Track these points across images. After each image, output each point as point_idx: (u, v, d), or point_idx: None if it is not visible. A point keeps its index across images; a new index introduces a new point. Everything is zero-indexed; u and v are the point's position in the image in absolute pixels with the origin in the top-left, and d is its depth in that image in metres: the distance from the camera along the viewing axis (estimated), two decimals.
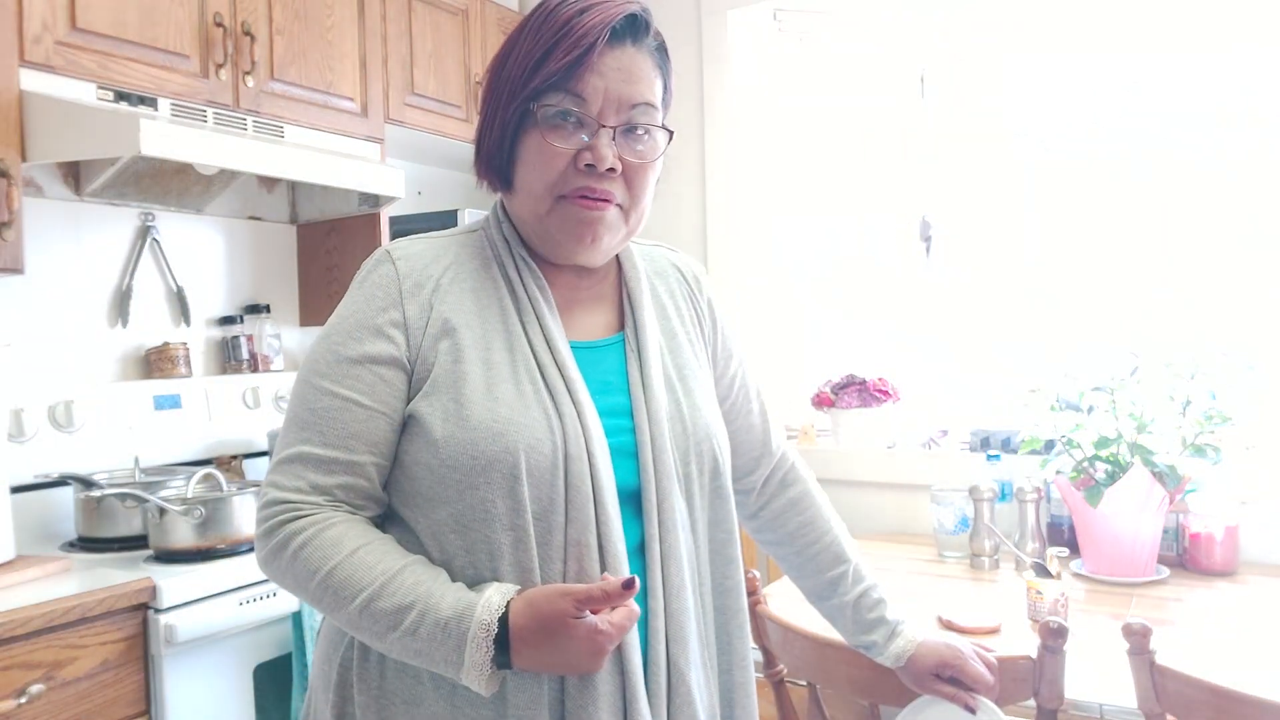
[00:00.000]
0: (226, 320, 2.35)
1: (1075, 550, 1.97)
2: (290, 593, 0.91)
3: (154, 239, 2.20)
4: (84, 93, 1.76)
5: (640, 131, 0.96)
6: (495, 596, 0.82)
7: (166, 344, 2.18)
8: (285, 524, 0.88)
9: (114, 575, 1.58)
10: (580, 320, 1.00)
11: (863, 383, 2.55)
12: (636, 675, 0.87)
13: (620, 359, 0.99)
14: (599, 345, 0.99)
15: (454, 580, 0.86)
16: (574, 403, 0.90)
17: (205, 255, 2.33)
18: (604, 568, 0.87)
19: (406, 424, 0.91)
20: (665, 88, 1.00)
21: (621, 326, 1.02)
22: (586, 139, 0.91)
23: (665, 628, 0.90)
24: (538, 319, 0.95)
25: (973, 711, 1.07)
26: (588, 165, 0.91)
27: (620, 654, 0.86)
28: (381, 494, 0.93)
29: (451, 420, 0.87)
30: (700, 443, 0.97)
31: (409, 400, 0.91)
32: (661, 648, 0.90)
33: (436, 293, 0.93)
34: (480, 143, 0.98)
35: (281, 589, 1.26)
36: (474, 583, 0.86)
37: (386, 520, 0.94)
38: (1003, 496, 2.10)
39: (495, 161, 0.96)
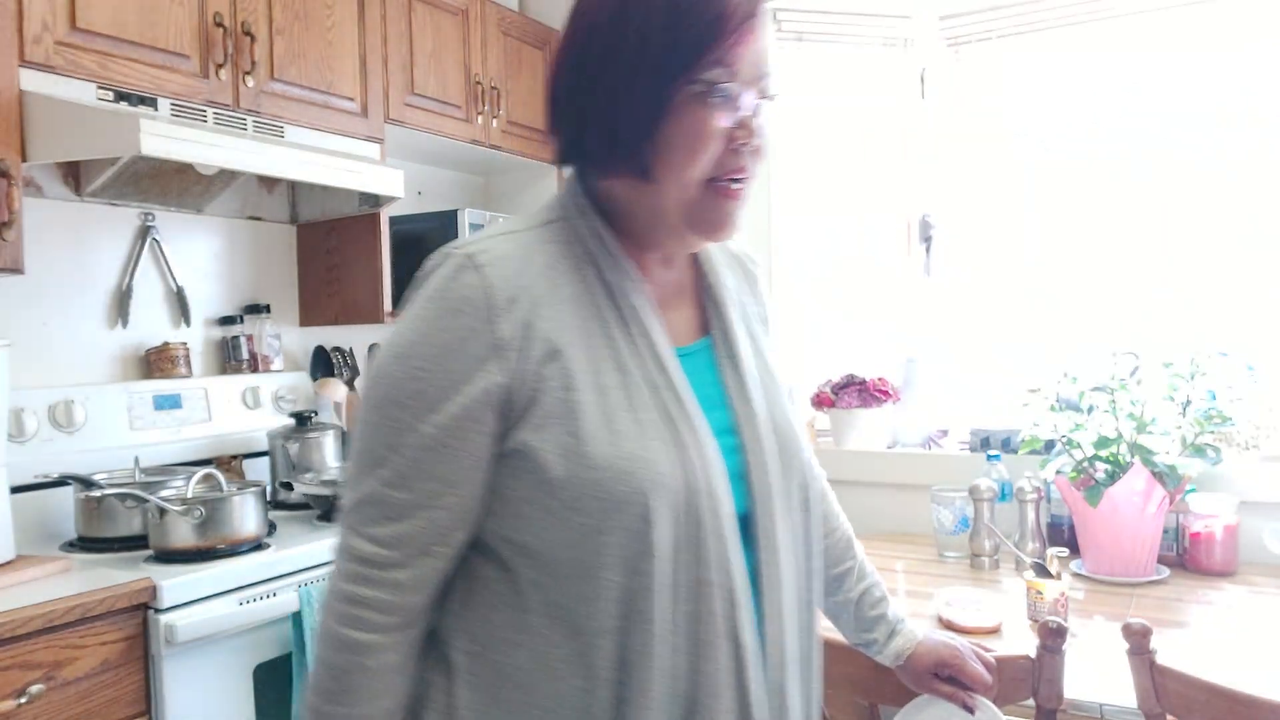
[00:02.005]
0: (226, 320, 2.35)
1: (1075, 550, 1.97)
2: (319, 649, 0.83)
3: (154, 239, 2.20)
4: (84, 93, 1.76)
5: (766, 102, 0.84)
6: None
7: (166, 344, 2.18)
8: (367, 622, 0.80)
9: (114, 575, 1.58)
10: (669, 321, 0.88)
11: (863, 383, 2.55)
12: (762, 708, 0.82)
13: (711, 366, 0.90)
14: (691, 352, 0.89)
15: (554, 622, 0.79)
16: (692, 429, 0.82)
17: (205, 255, 2.33)
18: (727, 605, 0.80)
19: (508, 457, 0.80)
20: None
21: (704, 326, 0.93)
22: (738, 115, 0.81)
23: (778, 653, 0.85)
24: (645, 332, 0.84)
25: (971, 711, 1.07)
26: (742, 144, 0.81)
27: (740, 682, 0.81)
28: (463, 532, 0.82)
29: (572, 459, 0.77)
30: (793, 457, 0.90)
31: (508, 431, 0.79)
32: (776, 674, 0.84)
33: (534, 307, 0.80)
34: (591, 128, 0.84)
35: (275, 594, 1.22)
36: (579, 630, 0.79)
37: (473, 551, 0.84)
38: (1003, 496, 2.10)
39: (628, 147, 0.81)
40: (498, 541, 0.82)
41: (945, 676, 1.09)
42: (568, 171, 0.91)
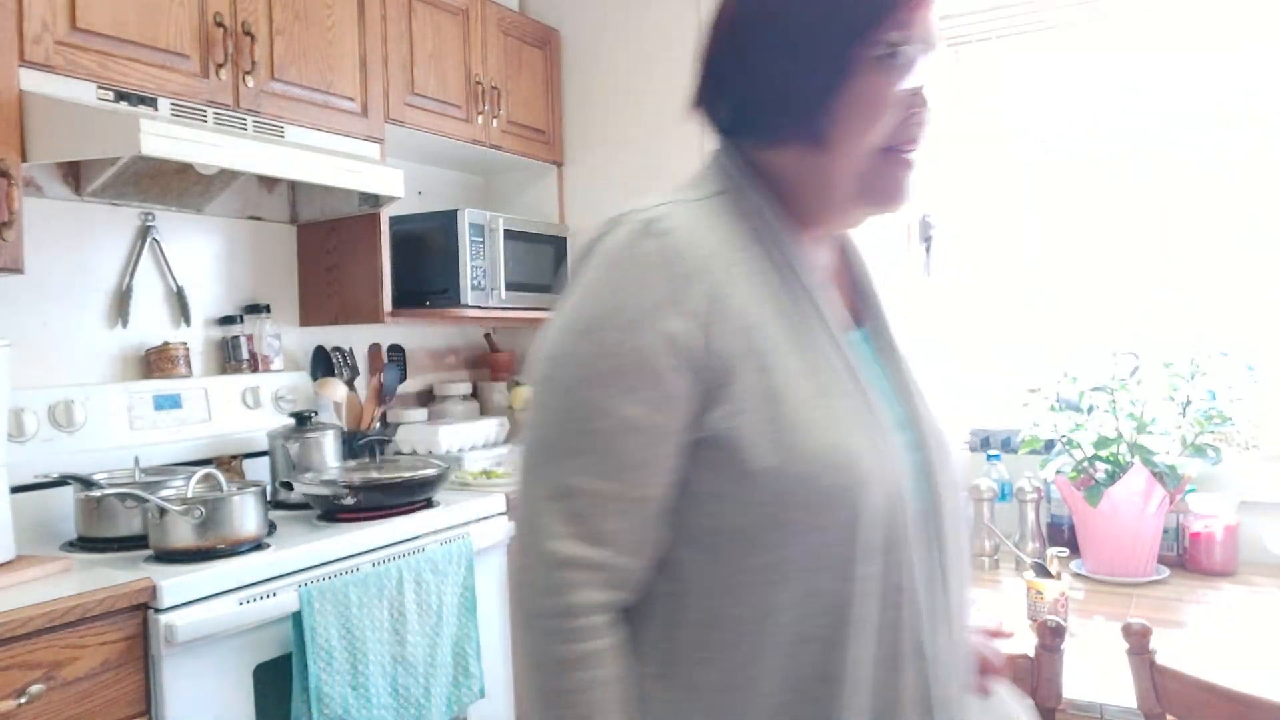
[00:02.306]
0: (226, 320, 2.35)
1: (1075, 550, 1.97)
2: (538, 683, 0.73)
3: (154, 239, 2.20)
4: (84, 93, 1.76)
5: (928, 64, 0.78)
6: None
7: (166, 344, 2.18)
8: (590, 630, 0.71)
9: (114, 575, 1.58)
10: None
11: None
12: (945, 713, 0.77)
13: (873, 359, 0.84)
14: (852, 342, 0.82)
15: (747, 634, 0.72)
16: (883, 421, 0.76)
17: (205, 255, 2.33)
18: (914, 614, 0.74)
19: (701, 445, 0.72)
20: None
21: (854, 316, 0.85)
22: (914, 81, 0.77)
23: (950, 666, 0.79)
24: (822, 316, 0.77)
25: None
26: (916, 112, 0.78)
27: (924, 697, 0.75)
28: (660, 534, 0.74)
29: (780, 448, 0.70)
30: (951, 456, 0.83)
31: (702, 413, 0.72)
32: (945, 689, 0.78)
33: (719, 280, 0.73)
34: (761, 95, 0.78)
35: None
36: (776, 641, 0.71)
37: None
38: (1003, 496, 2.10)
39: (803, 113, 0.76)
40: (682, 546, 0.74)
41: None
42: (716, 143, 0.84)
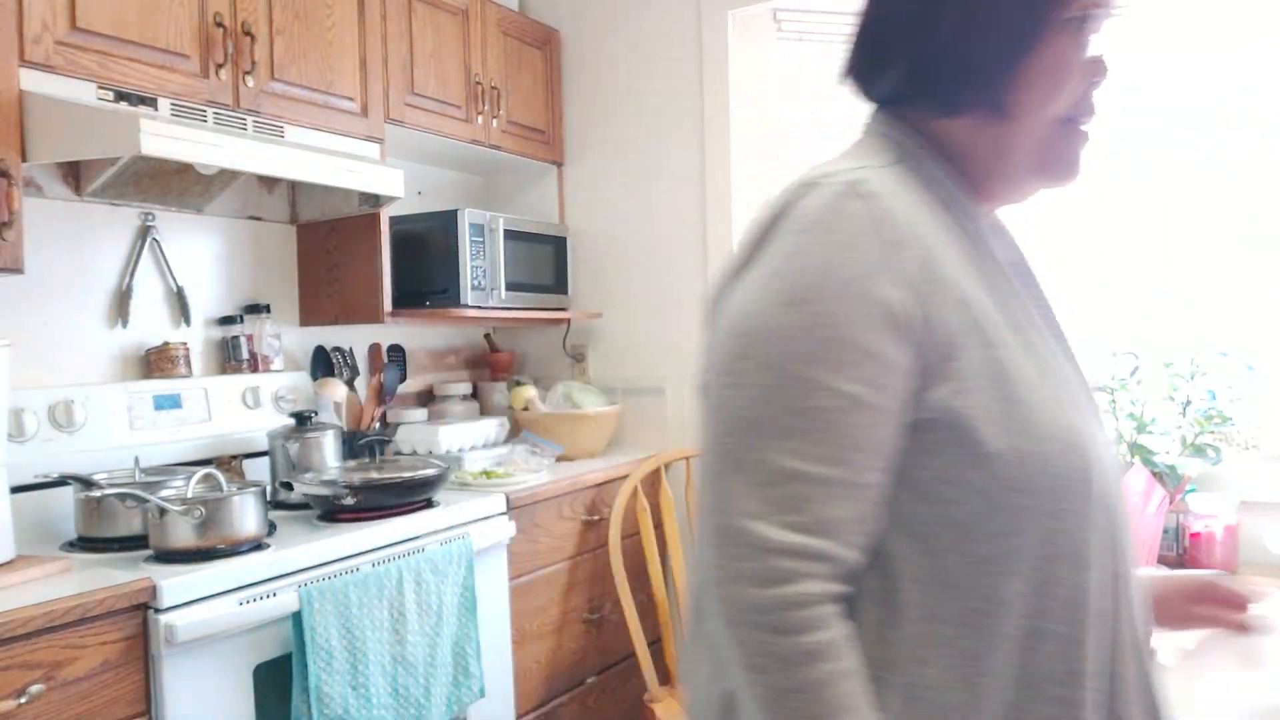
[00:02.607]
0: (226, 320, 2.35)
1: None
2: (768, 684, 0.65)
3: (154, 239, 2.20)
4: (84, 93, 1.76)
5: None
6: None
7: (166, 344, 2.18)
8: (821, 620, 0.65)
9: (114, 575, 1.58)
10: None
11: None
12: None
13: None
14: None
15: (973, 628, 0.67)
16: (1091, 400, 0.74)
17: (205, 255, 2.33)
18: (1128, 601, 0.72)
19: (925, 426, 0.67)
20: None
21: None
22: (1097, 50, 0.74)
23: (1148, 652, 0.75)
24: (1016, 292, 0.74)
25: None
26: (1097, 81, 0.74)
27: (1147, 688, 0.73)
28: (885, 516, 0.69)
29: (1013, 429, 0.66)
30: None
31: (923, 391, 0.67)
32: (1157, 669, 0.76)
33: (929, 247, 0.68)
34: (940, 60, 0.73)
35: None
36: (1005, 635, 0.67)
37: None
38: None
39: (987, 80, 0.72)
40: (895, 536, 0.69)
41: (1201, 609, 0.94)
42: (876, 113, 0.80)
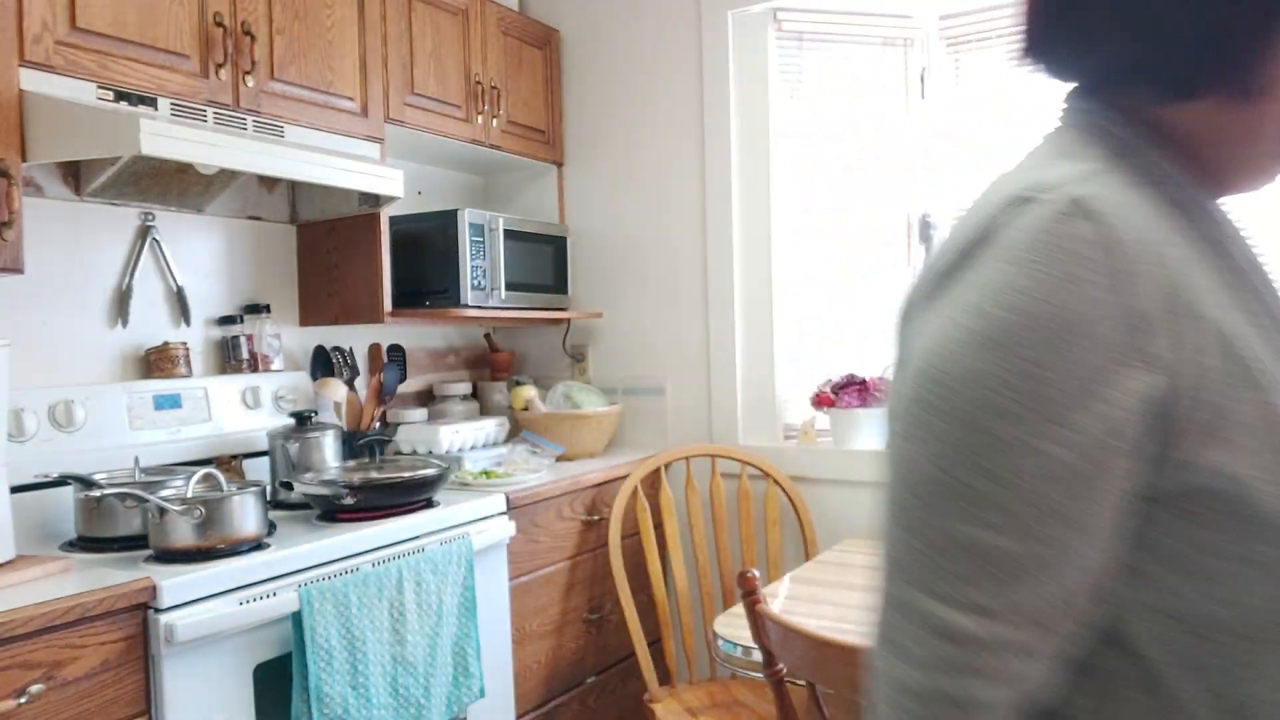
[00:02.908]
0: (226, 320, 2.35)
1: None
2: None
3: (154, 239, 2.20)
4: (84, 93, 1.76)
5: None
6: None
7: (166, 344, 2.18)
8: None
9: (114, 575, 1.58)
10: None
11: (863, 383, 2.55)
12: None
13: None
14: None
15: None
16: None
17: (205, 255, 2.34)
18: None
19: (1180, 495, 0.55)
20: None
21: None
22: None
23: None
24: (1273, 312, 0.61)
25: None
26: None
27: None
28: (1093, 602, 0.57)
29: None
30: None
31: (1167, 454, 0.55)
32: None
33: (1176, 272, 0.56)
34: (1180, 37, 0.59)
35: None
36: None
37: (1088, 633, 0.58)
38: None
39: (1236, 57, 0.59)
40: (1141, 616, 0.57)
41: None
42: (1078, 97, 0.70)
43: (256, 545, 1.76)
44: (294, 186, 2.47)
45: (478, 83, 2.71)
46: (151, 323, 2.21)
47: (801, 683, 1.42)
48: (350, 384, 2.49)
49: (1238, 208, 0.73)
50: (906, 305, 0.65)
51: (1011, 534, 0.54)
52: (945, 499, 0.55)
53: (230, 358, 2.35)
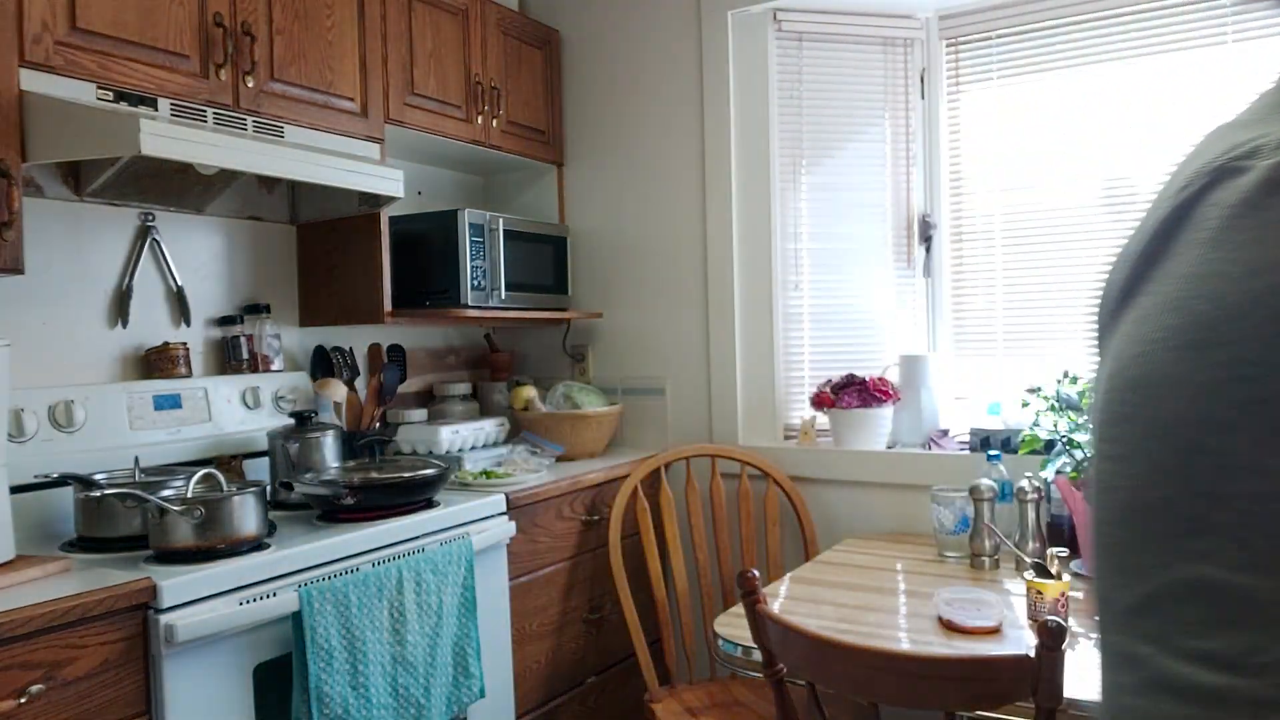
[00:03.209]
0: (226, 320, 2.35)
1: (1075, 550, 1.97)
2: None
3: (154, 239, 2.20)
4: (84, 93, 1.76)
5: None
6: None
7: (166, 344, 2.18)
8: None
9: (114, 575, 1.58)
10: None
11: (863, 383, 2.55)
12: None
13: None
14: None
15: None
16: None
17: (205, 255, 2.34)
18: None
19: None
20: None
21: None
22: None
23: None
24: None
25: None
26: None
27: None
28: None
29: None
30: None
31: None
32: None
33: None
34: None
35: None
36: None
37: None
38: (1003, 496, 2.10)
39: None
40: None
41: None
42: None
43: (256, 545, 1.76)
44: (294, 187, 2.47)
45: (478, 83, 2.71)
46: (151, 323, 2.21)
47: (801, 683, 1.42)
48: (350, 384, 2.49)
49: None
50: (1102, 309, 0.56)
51: (1248, 569, 0.45)
52: (1160, 529, 0.47)
53: (230, 358, 2.35)
